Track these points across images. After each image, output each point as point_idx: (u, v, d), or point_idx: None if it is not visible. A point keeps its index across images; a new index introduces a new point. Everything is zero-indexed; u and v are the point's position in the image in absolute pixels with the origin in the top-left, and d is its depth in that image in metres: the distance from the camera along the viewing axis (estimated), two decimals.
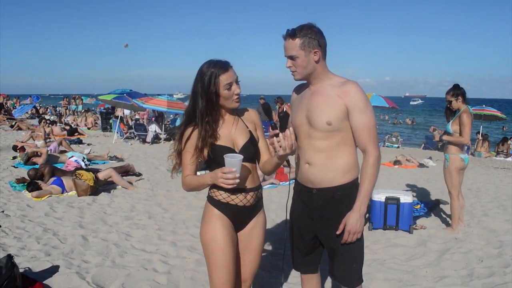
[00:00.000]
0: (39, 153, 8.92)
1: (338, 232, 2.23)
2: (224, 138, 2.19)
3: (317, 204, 2.32)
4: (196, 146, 2.16)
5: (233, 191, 2.18)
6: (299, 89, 2.46)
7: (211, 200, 2.27)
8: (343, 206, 2.25)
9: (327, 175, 2.26)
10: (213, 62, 2.14)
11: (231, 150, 2.17)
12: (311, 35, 2.17)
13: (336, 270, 2.36)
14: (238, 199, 2.22)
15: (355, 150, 2.30)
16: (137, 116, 19.67)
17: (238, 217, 2.27)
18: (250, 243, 2.33)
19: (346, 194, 2.27)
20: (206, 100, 2.13)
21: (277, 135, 2.16)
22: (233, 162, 2.02)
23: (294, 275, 2.64)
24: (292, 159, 2.43)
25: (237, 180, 2.02)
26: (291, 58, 2.21)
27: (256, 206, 2.33)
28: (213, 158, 2.18)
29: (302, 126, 2.31)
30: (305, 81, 2.36)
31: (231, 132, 2.22)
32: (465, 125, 4.68)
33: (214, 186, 2.23)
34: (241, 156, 2.05)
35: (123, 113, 17.42)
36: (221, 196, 2.22)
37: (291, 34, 2.18)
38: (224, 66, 2.13)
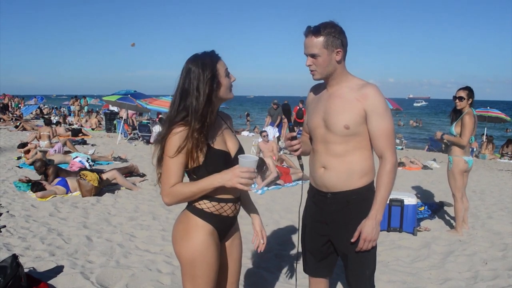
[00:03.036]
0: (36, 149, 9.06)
1: (353, 240, 2.17)
2: (219, 141, 1.96)
3: (332, 209, 2.26)
4: (188, 148, 1.86)
5: (226, 201, 1.99)
6: (315, 90, 2.37)
7: (199, 212, 1.97)
8: (357, 211, 2.20)
9: (342, 180, 2.20)
10: (200, 54, 1.93)
11: (227, 154, 1.97)
12: (335, 33, 2.08)
13: (349, 276, 2.31)
14: (230, 210, 2.02)
15: (371, 154, 2.24)
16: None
17: (226, 228, 2.07)
18: (233, 252, 2.16)
19: (361, 198, 2.22)
20: (204, 93, 1.86)
21: (294, 138, 2.13)
22: (251, 163, 1.82)
23: (300, 276, 2.62)
24: (306, 163, 2.39)
25: (253, 182, 1.84)
26: (313, 56, 2.11)
27: (237, 215, 2.14)
28: (206, 164, 1.90)
29: (319, 129, 2.24)
30: (322, 81, 2.28)
31: (223, 134, 2.01)
32: (465, 126, 4.68)
33: (200, 196, 1.97)
34: (257, 158, 1.86)
35: (127, 114, 17.45)
36: (214, 207, 1.97)
37: (315, 31, 2.08)
38: (216, 55, 1.93)
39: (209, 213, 1.97)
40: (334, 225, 2.27)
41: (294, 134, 2.12)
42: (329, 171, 2.21)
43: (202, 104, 1.87)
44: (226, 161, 1.94)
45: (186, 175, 1.97)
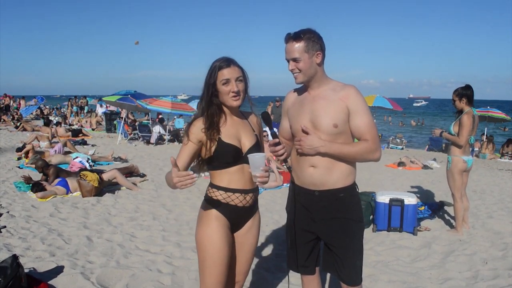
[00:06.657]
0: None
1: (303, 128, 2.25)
2: (231, 137, 2.17)
3: (320, 206, 2.34)
4: (199, 138, 2.14)
5: (233, 191, 2.18)
6: (295, 94, 2.47)
7: (209, 200, 2.23)
8: (345, 205, 2.32)
9: (332, 178, 2.28)
10: (220, 57, 2.18)
11: (238, 149, 2.16)
12: (314, 38, 2.23)
13: (340, 269, 2.36)
14: (238, 200, 2.20)
15: None
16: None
17: (236, 218, 2.25)
18: (246, 244, 2.32)
19: (349, 194, 2.33)
20: (207, 91, 2.15)
21: (278, 144, 2.21)
22: (258, 159, 2.03)
23: (297, 276, 2.63)
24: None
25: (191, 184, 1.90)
26: (294, 60, 2.24)
27: (254, 207, 2.32)
28: (217, 155, 2.15)
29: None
30: (300, 86, 2.42)
31: (238, 132, 2.21)
32: (463, 126, 4.69)
33: (212, 186, 2.23)
34: (264, 154, 2.08)
35: (126, 114, 17.46)
36: (221, 196, 2.19)
37: (295, 37, 2.22)
38: (226, 61, 2.14)
39: (216, 200, 2.20)
40: (322, 221, 2.35)
41: (277, 140, 2.22)
42: (319, 169, 2.29)
43: (205, 99, 2.16)
44: (236, 155, 2.16)
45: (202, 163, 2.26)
